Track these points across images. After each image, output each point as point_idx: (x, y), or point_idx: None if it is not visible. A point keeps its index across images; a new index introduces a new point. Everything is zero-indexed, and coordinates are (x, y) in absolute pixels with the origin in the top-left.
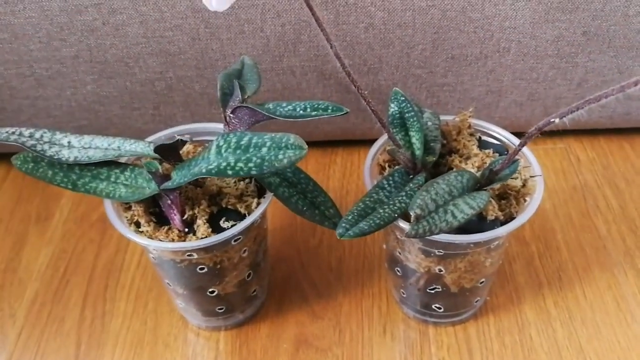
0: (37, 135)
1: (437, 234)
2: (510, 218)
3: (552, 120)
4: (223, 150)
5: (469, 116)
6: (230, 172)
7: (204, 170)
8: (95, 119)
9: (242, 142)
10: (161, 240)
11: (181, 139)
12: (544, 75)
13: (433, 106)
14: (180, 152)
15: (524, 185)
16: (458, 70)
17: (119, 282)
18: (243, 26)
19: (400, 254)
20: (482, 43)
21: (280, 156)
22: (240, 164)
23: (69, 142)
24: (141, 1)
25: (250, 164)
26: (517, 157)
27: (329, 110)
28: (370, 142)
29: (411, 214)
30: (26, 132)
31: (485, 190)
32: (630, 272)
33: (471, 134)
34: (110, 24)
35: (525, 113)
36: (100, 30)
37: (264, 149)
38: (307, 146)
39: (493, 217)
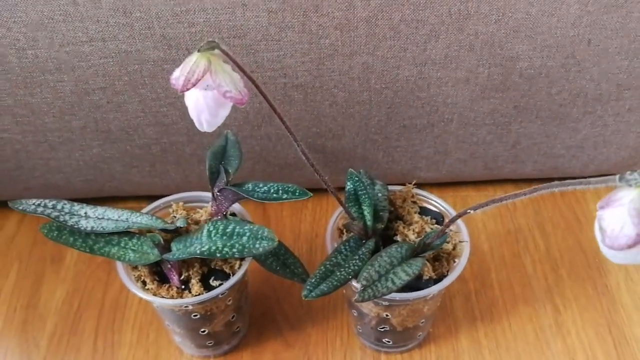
0: (59, 206)
1: (380, 297)
2: (442, 276)
3: (469, 211)
4: (212, 235)
5: (412, 187)
6: (218, 255)
7: (198, 252)
8: (100, 174)
9: (228, 230)
10: (163, 297)
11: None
12: (483, 139)
13: (389, 163)
14: (174, 214)
15: (454, 249)
16: (409, 135)
17: (124, 316)
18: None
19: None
20: (429, 115)
21: (257, 245)
22: (226, 249)
23: (85, 213)
24: (140, 85)
25: (234, 250)
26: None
27: (297, 194)
28: (337, 189)
29: (357, 285)
30: (49, 204)
31: (421, 256)
32: (548, 306)
33: (414, 202)
34: (114, 102)
35: (468, 168)
36: (105, 107)
37: (244, 238)
38: (277, 239)
39: (428, 277)
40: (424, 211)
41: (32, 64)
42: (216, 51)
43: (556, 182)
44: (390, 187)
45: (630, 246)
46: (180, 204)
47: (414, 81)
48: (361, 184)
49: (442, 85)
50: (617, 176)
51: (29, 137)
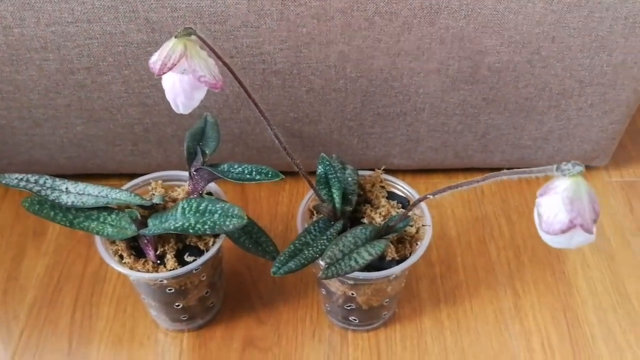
0: (41, 181)
1: (343, 275)
2: (405, 258)
3: (429, 196)
4: (186, 212)
5: (381, 173)
6: (191, 231)
7: (172, 227)
8: (83, 152)
9: (201, 207)
10: (139, 271)
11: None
12: (454, 128)
13: (363, 149)
14: (152, 192)
15: (417, 232)
16: (383, 123)
17: (103, 290)
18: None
19: (324, 280)
20: (402, 104)
21: (227, 222)
22: (198, 225)
23: (66, 188)
24: (124, 66)
25: (206, 226)
26: (413, 210)
27: (269, 175)
28: (311, 173)
29: (322, 263)
30: (32, 179)
31: (385, 238)
32: (509, 290)
33: (382, 187)
34: (98, 82)
35: (439, 156)
36: (89, 86)
37: (216, 215)
38: (246, 217)
39: (390, 258)
40: (391, 196)
41: (19, 42)
42: (193, 37)
43: (505, 171)
44: (361, 172)
45: (563, 231)
46: (159, 182)
47: (387, 71)
48: (331, 168)
49: (415, 75)
50: (554, 166)
51: (14, 113)
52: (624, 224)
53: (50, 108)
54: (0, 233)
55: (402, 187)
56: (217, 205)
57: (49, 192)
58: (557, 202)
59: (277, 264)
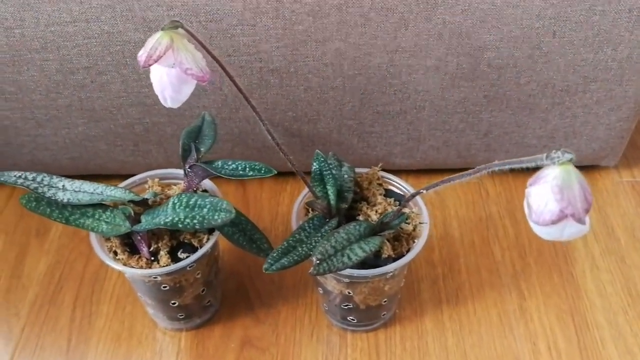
0: (39, 179)
1: (335, 272)
2: (401, 256)
3: (422, 191)
4: (177, 207)
5: (378, 170)
6: (180, 225)
7: (162, 222)
8: (85, 152)
9: (190, 202)
10: (133, 267)
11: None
12: (455, 127)
13: (364, 149)
14: (149, 190)
15: (414, 230)
16: (383, 122)
17: (102, 289)
18: (205, 86)
19: (320, 278)
20: (402, 102)
21: (216, 216)
22: (187, 220)
23: (63, 186)
24: (122, 65)
25: (195, 221)
26: (410, 208)
27: (262, 171)
28: (309, 173)
29: (313, 259)
30: (30, 176)
31: (381, 235)
32: (514, 292)
33: (380, 184)
34: (97, 82)
35: (442, 155)
36: (89, 86)
37: (205, 210)
38: (234, 211)
39: (387, 255)
40: (389, 193)
41: (19, 43)
42: (180, 30)
43: (496, 162)
44: (358, 170)
45: (554, 222)
46: (156, 180)
47: (385, 68)
48: (326, 165)
49: (413, 73)
50: (544, 155)
51: (17, 114)
52: (635, 225)
53: (51, 108)
54: (4, 232)
55: (399, 184)
56: (207, 200)
57: (46, 189)
58: (546, 191)
59: (269, 261)
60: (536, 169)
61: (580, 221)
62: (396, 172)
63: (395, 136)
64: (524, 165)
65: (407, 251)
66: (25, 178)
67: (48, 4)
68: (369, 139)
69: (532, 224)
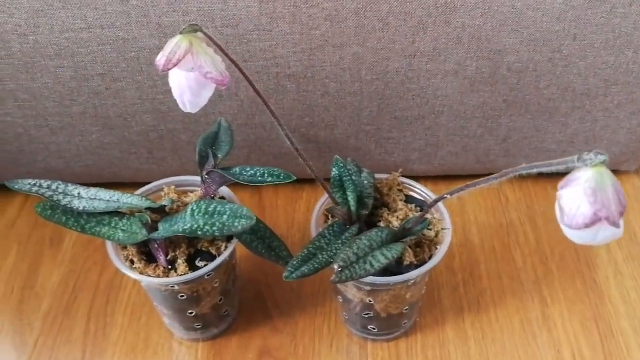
0: (53, 186)
1: (357, 279)
2: (423, 262)
3: (446, 196)
4: (195, 214)
5: (398, 176)
6: (199, 232)
7: (180, 230)
8: (99, 160)
9: (209, 209)
10: (150, 275)
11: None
12: (474, 132)
13: (382, 154)
14: (165, 197)
15: (436, 236)
16: (401, 127)
17: (117, 299)
18: (221, 92)
19: (340, 286)
20: (420, 107)
21: (236, 223)
22: (207, 227)
23: (78, 193)
24: (137, 72)
25: (214, 227)
26: (431, 214)
27: (281, 177)
28: (328, 180)
29: (335, 266)
30: (44, 184)
31: (402, 241)
32: (536, 298)
33: (400, 190)
34: (112, 89)
35: (460, 161)
36: (103, 93)
37: (225, 216)
38: (254, 217)
39: (408, 262)
40: (409, 199)
41: (33, 49)
42: (199, 34)
43: (523, 166)
44: (377, 176)
45: (587, 225)
46: (172, 187)
47: (403, 73)
48: (346, 171)
49: (432, 77)
50: (575, 156)
51: (31, 121)
52: None
53: (65, 116)
54: (18, 241)
55: (420, 190)
56: (226, 207)
57: (61, 197)
58: (579, 194)
59: (289, 268)
60: (557, 174)
61: (615, 224)
62: (414, 178)
63: (413, 142)
64: (553, 169)
65: (429, 258)
66: (40, 186)
67: (62, 10)
68: (386, 144)
69: (563, 228)
